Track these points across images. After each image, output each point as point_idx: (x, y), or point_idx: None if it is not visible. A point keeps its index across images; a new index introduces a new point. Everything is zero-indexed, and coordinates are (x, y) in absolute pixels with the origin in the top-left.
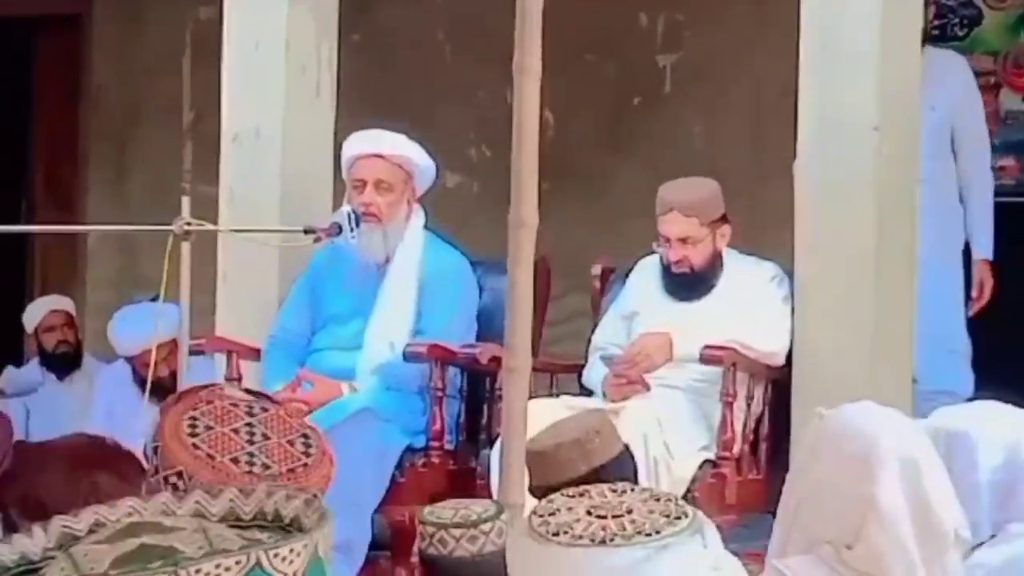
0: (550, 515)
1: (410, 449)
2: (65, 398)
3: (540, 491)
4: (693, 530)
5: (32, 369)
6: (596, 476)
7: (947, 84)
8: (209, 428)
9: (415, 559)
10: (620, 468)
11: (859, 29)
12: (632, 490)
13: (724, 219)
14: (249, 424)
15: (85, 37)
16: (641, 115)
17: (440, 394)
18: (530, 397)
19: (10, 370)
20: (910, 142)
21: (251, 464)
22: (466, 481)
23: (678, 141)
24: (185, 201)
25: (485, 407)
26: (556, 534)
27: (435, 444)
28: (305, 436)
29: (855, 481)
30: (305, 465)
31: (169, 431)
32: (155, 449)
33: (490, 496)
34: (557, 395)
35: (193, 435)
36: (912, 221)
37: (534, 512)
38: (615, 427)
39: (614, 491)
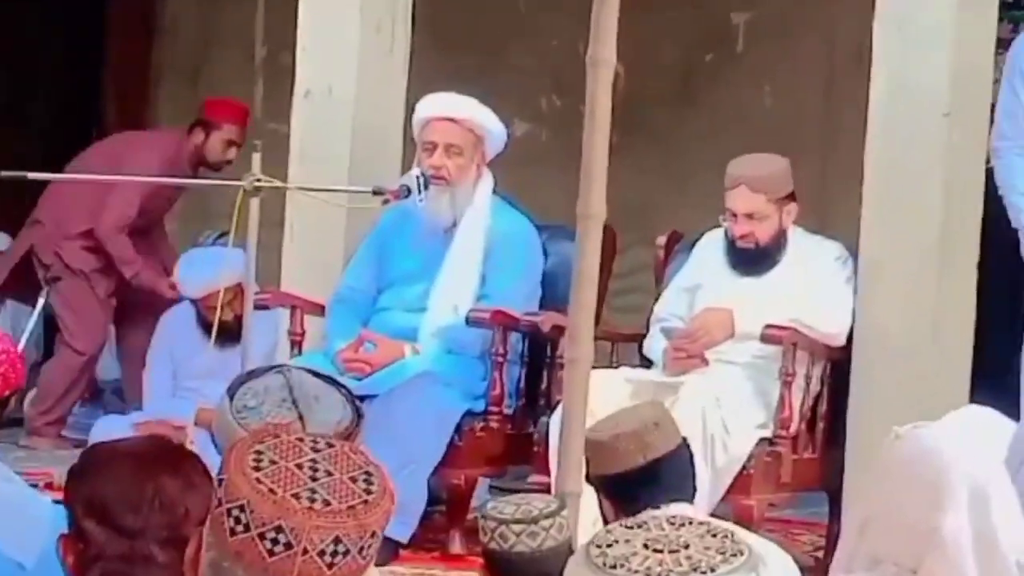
0: (608, 546)
1: (469, 413)
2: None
3: (598, 480)
4: (748, 568)
5: None
6: (653, 468)
7: None
8: (273, 463)
9: (469, 521)
10: (678, 461)
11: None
12: (690, 523)
13: (792, 197)
14: (313, 460)
15: None
16: (712, 72)
17: (501, 360)
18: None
19: None
20: (979, 127)
21: (312, 500)
22: (523, 446)
23: (748, 99)
24: (255, 158)
25: (545, 373)
26: (613, 567)
27: (494, 409)
28: (368, 473)
29: (923, 507)
30: (365, 502)
31: (234, 464)
32: (220, 481)
33: (545, 462)
34: (617, 365)
35: (257, 469)
36: (977, 206)
37: (592, 542)
38: (674, 420)
39: (672, 524)
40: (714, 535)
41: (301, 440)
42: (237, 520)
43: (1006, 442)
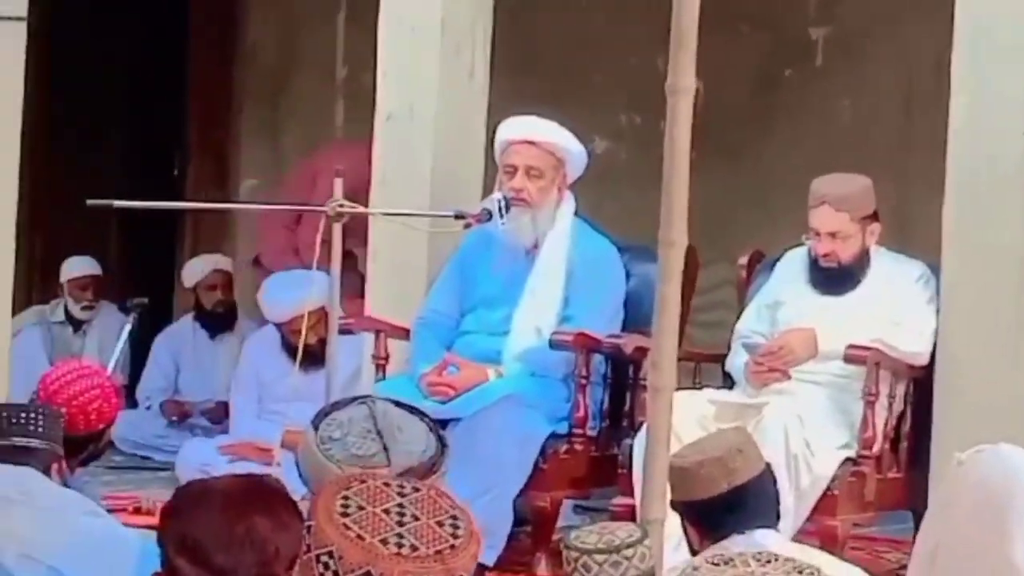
0: None
1: (553, 436)
2: (214, 357)
3: (681, 506)
4: None
5: (184, 324)
6: (737, 494)
7: None
8: (361, 508)
9: (555, 543)
10: (762, 487)
11: (1015, 28)
12: (776, 559)
13: (875, 216)
14: (400, 505)
15: None
16: (792, 87)
17: (584, 382)
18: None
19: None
20: None
21: (400, 545)
22: (607, 468)
23: (828, 115)
24: (338, 183)
25: (628, 394)
26: None
27: (578, 431)
28: (454, 517)
29: (990, 536)
30: (452, 547)
31: (322, 510)
32: (308, 528)
33: (630, 484)
34: (701, 386)
35: (345, 515)
36: None
37: None
38: (757, 446)
39: (758, 560)
40: (800, 572)
41: (388, 484)
42: (326, 566)
43: None
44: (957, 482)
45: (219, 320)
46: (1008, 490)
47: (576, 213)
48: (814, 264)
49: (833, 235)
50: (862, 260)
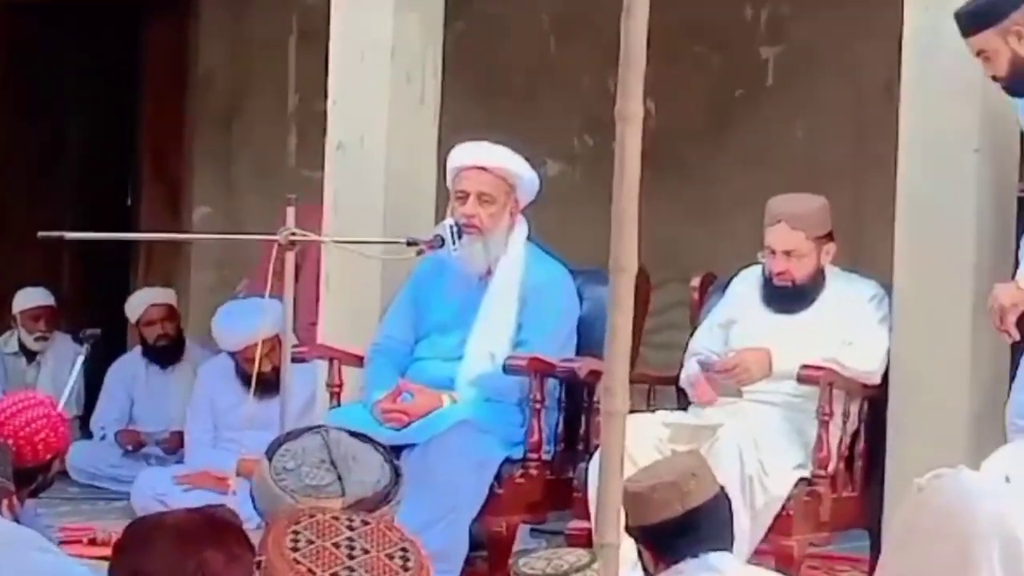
0: None
1: (508, 460)
2: (167, 387)
3: (636, 530)
4: None
5: (136, 355)
6: (691, 517)
7: None
8: (311, 542)
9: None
10: (716, 510)
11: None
12: None
13: (830, 236)
14: (350, 538)
15: (192, 21)
16: (743, 108)
17: (538, 407)
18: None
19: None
20: (1009, 162)
21: None
22: (563, 492)
23: (780, 135)
24: (290, 212)
25: (583, 418)
26: None
27: (533, 456)
28: (404, 549)
29: (954, 561)
30: None
31: (272, 545)
32: (258, 564)
33: (586, 507)
34: (654, 408)
35: (295, 549)
36: (1009, 241)
37: None
38: (711, 469)
39: None
40: None
41: (337, 518)
42: None
43: None
44: (918, 508)
45: (163, 353)
46: (970, 515)
47: (528, 237)
48: (768, 282)
49: (788, 254)
50: (816, 279)
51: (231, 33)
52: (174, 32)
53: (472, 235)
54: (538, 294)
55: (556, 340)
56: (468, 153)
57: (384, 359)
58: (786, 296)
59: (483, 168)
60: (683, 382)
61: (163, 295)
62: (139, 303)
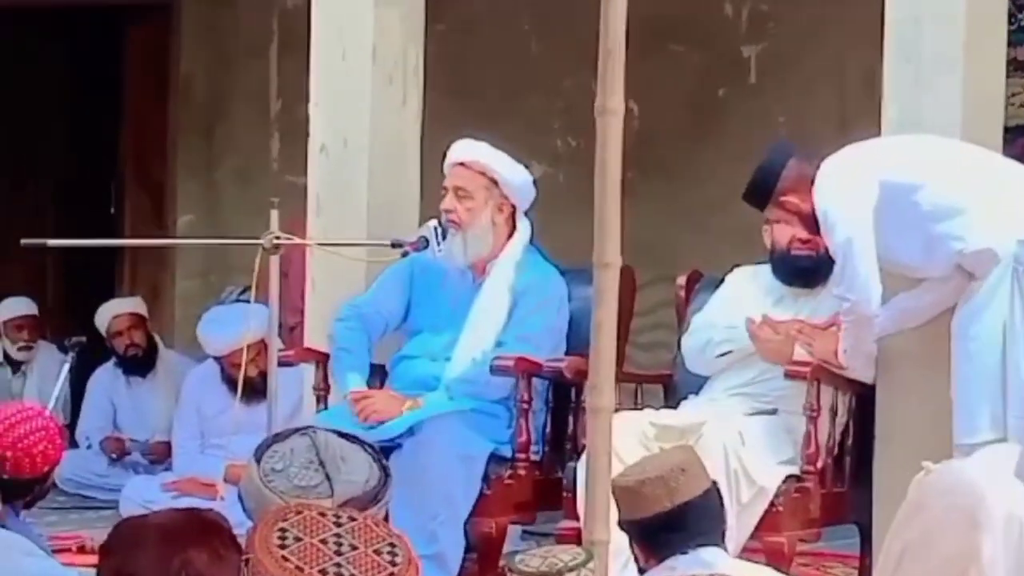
0: None
1: (496, 461)
2: (147, 396)
3: (626, 525)
4: None
5: (113, 367)
6: (681, 512)
7: None
8: (298, 539)
9: (502, 569)
10: (706, 505)
11: (943, 39)
12: None
13: None
14: (337, 535)
15: (173, 26)
16: (726, 106)
17: (526, 407)
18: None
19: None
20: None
21: (339, 575)
22: (552, 492)
23: (763, 132)
24: (274, 215)
25: (571, 418)
26: None
27: (521, 456)
28: (392, 545)
29: (960, 533)
30: (392, 574)
31: (259, 542)
32: (246, 561)
33: (575, 507)
34: (642, 407)
35: (282, 547)
36: None
37: None
38: (703, 465)
39: None
40: None
41: (323, 515)
42: None
43: None
44: (927, 488)
45: (135, 363)
46: (980, 489)
47: (531, 242)
48: (781, 260)
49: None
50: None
51: (212, 39)
52: (155, 38)
53: (452, 231)
54: (528, 295)
55: (545, 343)
56: (454, 150)
57: (357, 323)
58: (806, 269)
59: (462, 164)
60: (687, 348)
61: (127, 304)
62: (105, 314)
